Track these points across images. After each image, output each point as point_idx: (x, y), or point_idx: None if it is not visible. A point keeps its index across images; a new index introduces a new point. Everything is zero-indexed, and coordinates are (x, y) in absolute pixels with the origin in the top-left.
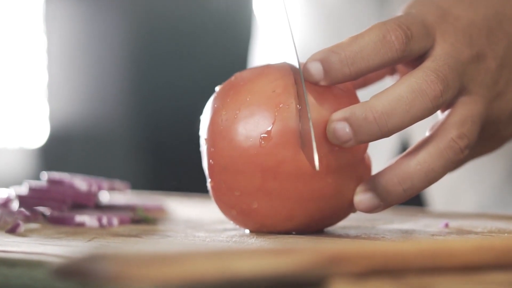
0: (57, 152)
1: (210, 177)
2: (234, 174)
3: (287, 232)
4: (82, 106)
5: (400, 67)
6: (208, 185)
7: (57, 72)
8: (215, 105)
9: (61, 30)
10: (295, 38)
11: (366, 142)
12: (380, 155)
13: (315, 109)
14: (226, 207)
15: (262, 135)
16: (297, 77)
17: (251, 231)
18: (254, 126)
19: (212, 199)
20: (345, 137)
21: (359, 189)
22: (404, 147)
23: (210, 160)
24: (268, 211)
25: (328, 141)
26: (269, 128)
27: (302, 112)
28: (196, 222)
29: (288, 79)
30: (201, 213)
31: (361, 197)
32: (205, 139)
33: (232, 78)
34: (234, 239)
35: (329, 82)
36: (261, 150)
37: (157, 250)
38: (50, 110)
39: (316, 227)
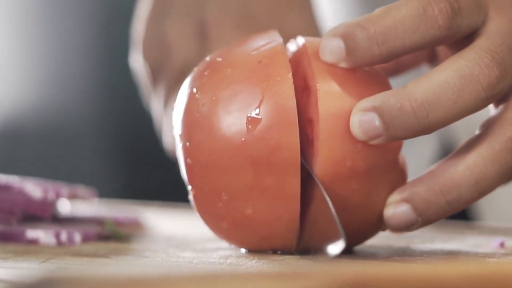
0: (6, 150)
1: (190, 182)
2: (219, 172)
3: (296, 249)
4: (38, 94)
5: (442, 50)
6: (190, 195)
7: (5, 51)
8: (189, 90)
9: None
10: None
11: (401, 139)
12: (417, 160)
13: (335, 97)
14: (213, 219)
15: (248, 118)
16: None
17: (249, 250)
18: (237, 107)
19: (196, 212)
20: (374, 132)
21: (391, 199)
22: (446, 152)
23: (188, 159)
24: (267, 216)
25: (352, 137)
26: (257, 108)
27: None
28: (180, 240)
29: (277, 47)
30: (187, 228)
31: (394, 209)
32: (180, 135)
33: (207, 57)
34: (229, 261)
35: (352, 63)
36: (249, 137)
37: (129, 273)
38: None
39: None
